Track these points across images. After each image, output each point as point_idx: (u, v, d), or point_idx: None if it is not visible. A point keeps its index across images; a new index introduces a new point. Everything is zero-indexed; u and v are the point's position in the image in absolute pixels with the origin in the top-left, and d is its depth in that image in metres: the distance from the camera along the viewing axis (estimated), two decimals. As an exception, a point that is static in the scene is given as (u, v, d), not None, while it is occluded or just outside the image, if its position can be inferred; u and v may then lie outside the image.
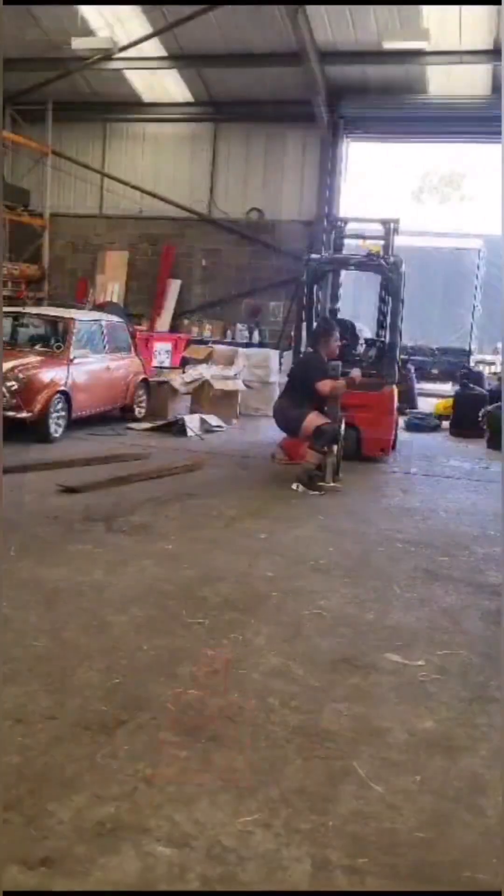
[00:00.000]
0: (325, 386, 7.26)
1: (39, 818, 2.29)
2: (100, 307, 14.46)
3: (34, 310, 10.84)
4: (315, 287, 9.51)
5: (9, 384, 8.27)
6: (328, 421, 7.19)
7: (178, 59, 14.59)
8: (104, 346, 10.07)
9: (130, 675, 3.24)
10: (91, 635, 3.63)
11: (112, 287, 16.59)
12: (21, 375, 8.39)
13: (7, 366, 8.48)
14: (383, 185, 16.02)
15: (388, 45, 12.57)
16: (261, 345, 14.90)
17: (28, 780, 2.46)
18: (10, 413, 8.21)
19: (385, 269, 9.15)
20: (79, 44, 13.49)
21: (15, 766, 2.53)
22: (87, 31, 13.85)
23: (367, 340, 10.18)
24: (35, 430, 8.48)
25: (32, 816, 2.29)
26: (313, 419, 7.14)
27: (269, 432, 10.56)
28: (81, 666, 3.29)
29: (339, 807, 2.46)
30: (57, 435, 8.75)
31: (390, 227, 9.93)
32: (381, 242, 10.11)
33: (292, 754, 2.74)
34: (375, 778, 2.63)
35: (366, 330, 11.02)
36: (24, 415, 8.31)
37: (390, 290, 9.36)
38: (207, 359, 13.25)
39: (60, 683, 3.11)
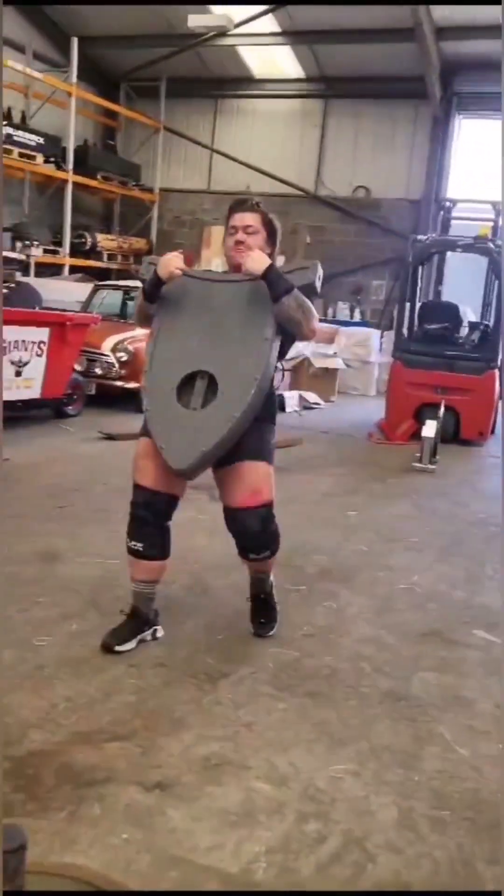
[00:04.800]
0: None
1: (152, 750, 2.56)
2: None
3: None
4: (420, 268, 9.50)
5: (118, 355, 8.75)
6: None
7: (292, 34, 14.59)
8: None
9: (232, 633, 3.49)
10: (195, 595, 3.90)
11: (216, 262, 16.87)
12: (130, 347, 8.79)
13: (116, 338, 8.92)
14: (496, 164, 15.59)
15: (508, 19, 12.24)
16: (362, 323, 14.93)
17: (142, 717, 2.74)
18: (119, 383, 8.73)
19: (493, 251, 9.06)
20: (195, 21, 13.67)
21: (131, 704, 2.82)
22: (203, 9, 14.02)
23: (470, 324, 10.13)
24: (140, 401, 8.86)
25: (147, 748, 2.56)
26: None
27: (367, 411, 10.67)
28: (187, 622, 3.56)
29: (425, 764, 2.64)
30: (161, 405, 9.10)
31: (500, 210, 9.79)
32: (490, 224, 9.98)
33: (382, 714, 2.93)
34: (460, 742, 2.79)
35: (470, 312, 10.94)
36: (131, 385, 8.75)
37: (497, 274, 9.27)
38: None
39: (168, 636, 3.38)
